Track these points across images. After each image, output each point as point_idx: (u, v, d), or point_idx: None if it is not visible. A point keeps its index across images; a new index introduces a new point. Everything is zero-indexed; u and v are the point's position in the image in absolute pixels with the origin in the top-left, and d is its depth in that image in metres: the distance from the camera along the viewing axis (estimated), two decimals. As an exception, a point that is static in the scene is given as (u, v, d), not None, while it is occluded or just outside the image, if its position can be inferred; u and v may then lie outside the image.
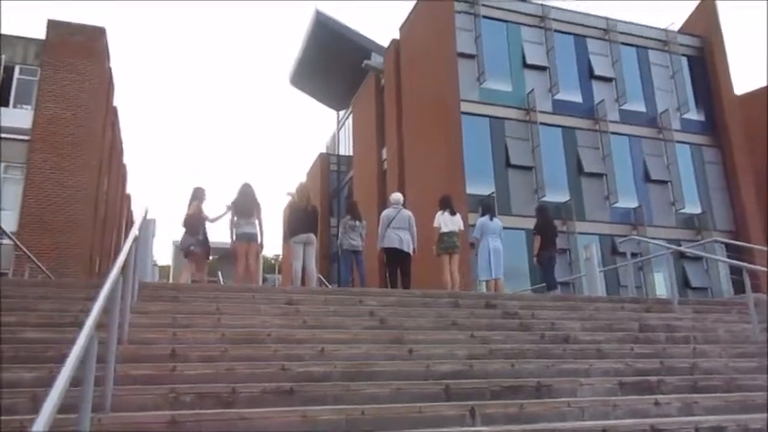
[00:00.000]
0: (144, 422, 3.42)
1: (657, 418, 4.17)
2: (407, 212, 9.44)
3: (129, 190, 31.91)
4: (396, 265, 9.24)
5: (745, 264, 7.81)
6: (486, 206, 10.33)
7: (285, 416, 3.66)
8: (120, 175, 26.63)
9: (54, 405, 2.00)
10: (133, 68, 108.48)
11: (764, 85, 23.01)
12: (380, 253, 9.75)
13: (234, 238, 8.88)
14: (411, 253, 9.21)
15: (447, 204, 9.56)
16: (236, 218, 8.95)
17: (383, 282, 10.75)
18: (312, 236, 8.93)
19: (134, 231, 4.90)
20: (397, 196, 9.77)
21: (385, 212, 9.50)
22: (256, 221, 8.99)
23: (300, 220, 9.00)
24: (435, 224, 9.44)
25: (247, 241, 8.82)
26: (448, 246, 9.34)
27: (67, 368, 2.25)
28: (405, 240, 9.12)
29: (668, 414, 4.35)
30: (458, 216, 9.58)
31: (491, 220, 9.88)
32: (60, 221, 15.82)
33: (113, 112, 22.38)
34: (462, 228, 9.67)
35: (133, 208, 32.35)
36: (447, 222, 9.42)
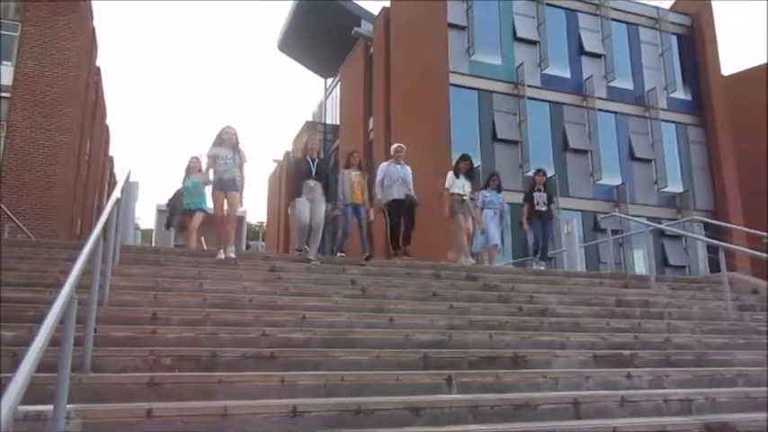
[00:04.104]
0: (123, 383, 3.45)
1: (628, 390, 4.29)
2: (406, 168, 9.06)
3: (111, 152, 31.50)
4: (398, 217, 8.67)
5: (722, 243, 7.95)
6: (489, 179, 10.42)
7: (264, 380, 3.71)
8: (102, 136, 26.24)
9: (33, 363, 2.01)
10: (118, 29, 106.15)
11: (750, 66, 23.16)
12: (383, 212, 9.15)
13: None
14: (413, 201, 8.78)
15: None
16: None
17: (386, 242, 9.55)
18: (318, 185, 7.66)
19: (116, 193, 4.86)
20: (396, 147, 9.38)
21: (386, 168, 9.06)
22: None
23: (305, 172, 7.73)
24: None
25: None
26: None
27: (46, 327, 2.25)
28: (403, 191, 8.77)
29: (639, 386, 4.47)
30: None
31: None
32: (41, 181, 15.58)
33: (97, 72, 21.95)
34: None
35: (116, 170, 31.99)
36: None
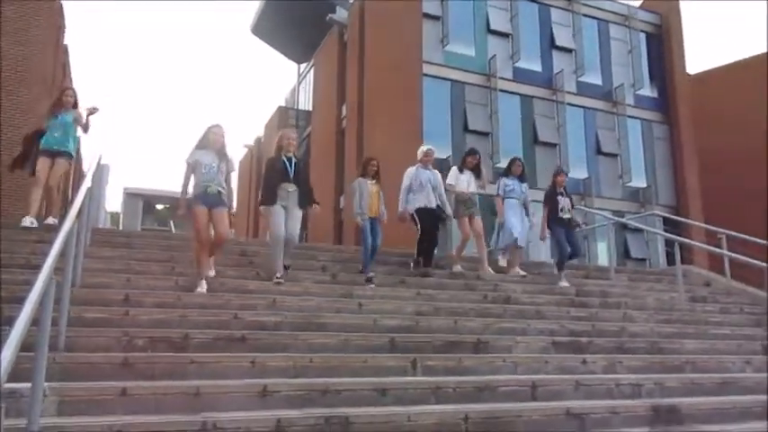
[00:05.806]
0: (97, 362, 3.54)
1: (583, 375, 4.54)
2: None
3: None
4: (429, 225, 7.53)
5: (677, 237, 8.29)
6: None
7: (235, 361, 3.83)
8: (69, 116, 25.70)
9: (18, 341, 2.10)
10: (87, 9, 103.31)
11: (714, 66, 23.83)
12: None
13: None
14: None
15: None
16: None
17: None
18: (296, 190, 6.34)
19: (89, 177, 4.90)
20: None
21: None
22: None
23: (281, 174, 6.38)
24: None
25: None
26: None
27: (29, 306, 2.35)
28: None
29: (593, 371, 4.73)
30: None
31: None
32: (5, 162, 15.27)
33: (64, 52, 21.46)
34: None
35: (81, 152, 31.33)
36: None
